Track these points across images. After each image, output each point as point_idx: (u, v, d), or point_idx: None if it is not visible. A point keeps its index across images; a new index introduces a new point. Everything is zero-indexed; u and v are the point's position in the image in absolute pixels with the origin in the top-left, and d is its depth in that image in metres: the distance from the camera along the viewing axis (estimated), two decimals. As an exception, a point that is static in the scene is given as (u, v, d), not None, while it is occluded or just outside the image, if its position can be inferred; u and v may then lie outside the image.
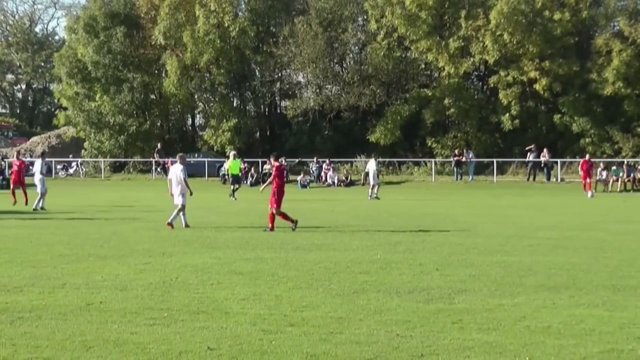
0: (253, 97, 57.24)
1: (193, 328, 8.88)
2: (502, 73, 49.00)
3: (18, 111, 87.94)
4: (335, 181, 46.40)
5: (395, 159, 50.14)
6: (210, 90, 55.84)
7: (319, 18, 52.76)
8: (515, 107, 48.49)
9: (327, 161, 47.96)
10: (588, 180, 37.99)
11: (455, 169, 46.99)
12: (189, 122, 63.18)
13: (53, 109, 79.79)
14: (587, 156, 40.49)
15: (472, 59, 50.83)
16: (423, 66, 53.87)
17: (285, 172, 26.59)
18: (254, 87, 55.81)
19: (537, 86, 47.78)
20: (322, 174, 47.59)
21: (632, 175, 41.31)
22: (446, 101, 50.44)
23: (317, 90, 54.82)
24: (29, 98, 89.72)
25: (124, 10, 56.26)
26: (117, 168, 55.91)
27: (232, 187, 35.02)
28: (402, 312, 9.77)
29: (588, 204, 31.61)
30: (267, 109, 59.10)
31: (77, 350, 7.96)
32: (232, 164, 35.92)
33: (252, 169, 48.07)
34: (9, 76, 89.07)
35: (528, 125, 50.21)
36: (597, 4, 49.87)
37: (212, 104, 57.04)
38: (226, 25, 52.57)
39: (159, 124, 59.25)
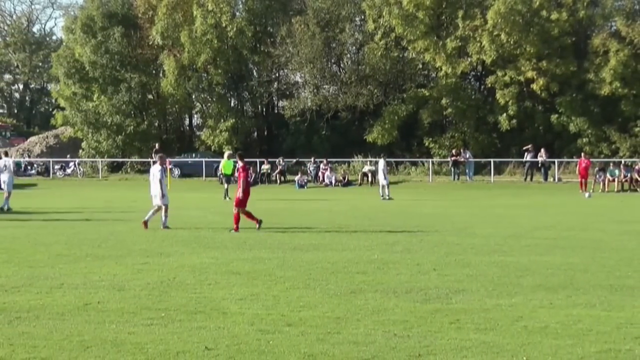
0: (250, 97, 57.22)
1: (190, 328, 8.88)
2: (499, 73, 48.93)
3: (16, 111, 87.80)
4: (333, 181, 46.38)
5: (392, 159, 49.96)
6: (208, 90, 55.73)
7: (317, 18, 52.69)
8: (513, 107, 48.45)
9: (325, 161, 47.90)
10: (585, 179, 37.96)
11: (452, 169, 46.95)
12: (187, 122, 63.10)
13: (51, 109, 79.66)
14: (584, 156, 40.50)
15: (469, 59, 50.78)
16: (420, 66, 53.83)
17: (250, 172, 26.21)
18: (252, 87, 55.75)
19: (534, 86, 47.71)
20: (320, 174, 47.53)
21: (629, 175, 41.31)
22: (443, 101, 50.38)
23: (315, 91, 54.74)
24: (27, 98, 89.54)
25: (122, 10, 56.17)
26: (114, 168, 55.81)
27: (225, 186, 34.90)
28: (399, 312, 9.77)
29: (585, 204, 31.58)
30: (264, 109, 59.04)
31: (75, 350, 7.96)
32: (225, 164, 35.54)
33: (250, 169, 47.93)
34: (7, 76, 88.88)
35: (525, 125, 50.18)
36: (595, 4, 49.80)
37: (209, 104, 56.97)
38: (224, 25, 52.51)
39: (156, 124, 59.11)
